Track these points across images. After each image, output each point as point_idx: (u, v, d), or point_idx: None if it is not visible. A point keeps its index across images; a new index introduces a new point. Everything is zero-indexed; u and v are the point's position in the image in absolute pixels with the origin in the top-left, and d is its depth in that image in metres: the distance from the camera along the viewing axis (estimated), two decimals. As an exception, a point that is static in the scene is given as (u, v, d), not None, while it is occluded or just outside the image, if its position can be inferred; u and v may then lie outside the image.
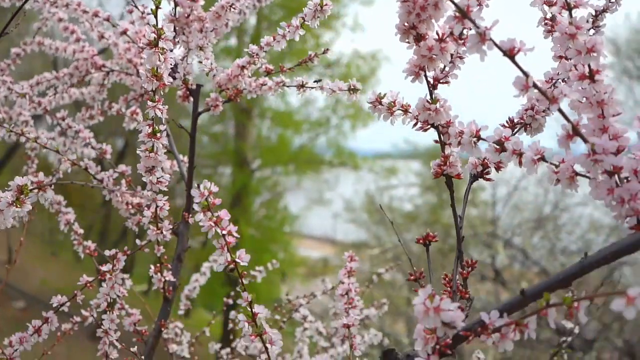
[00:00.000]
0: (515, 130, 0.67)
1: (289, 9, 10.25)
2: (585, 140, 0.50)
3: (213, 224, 0.60)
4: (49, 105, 1.13)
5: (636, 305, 0.39)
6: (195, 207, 0.60)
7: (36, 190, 0.65)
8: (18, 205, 0.66)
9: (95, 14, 1.07)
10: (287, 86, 0.96)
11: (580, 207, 7.40)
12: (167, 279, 0.95)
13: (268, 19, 9.40)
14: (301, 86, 0.93)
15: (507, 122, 0.68)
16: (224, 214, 0.61)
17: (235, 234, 0.61)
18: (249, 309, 0.63)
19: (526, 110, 0.67)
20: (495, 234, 5.85)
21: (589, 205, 7.36)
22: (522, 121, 0.67)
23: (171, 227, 0.88)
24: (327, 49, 0.98)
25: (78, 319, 1.11)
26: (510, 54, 0.50)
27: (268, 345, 0.63)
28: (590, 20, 0.69)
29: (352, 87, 0.81)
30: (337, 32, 10.79)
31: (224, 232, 0.61)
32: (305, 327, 1.29)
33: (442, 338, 0.53)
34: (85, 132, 1.07)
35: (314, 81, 0.94)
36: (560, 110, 0.51)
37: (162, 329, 0.97)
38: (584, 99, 0.53)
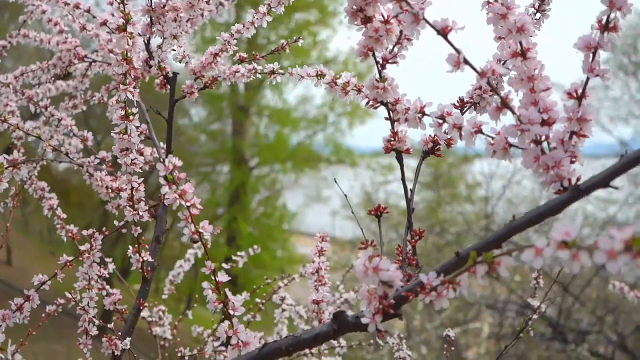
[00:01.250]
0: (465, 109, 0.71)
1: (287, 7, 10.29)
2: (513, 112, 0.54)
3: (177, 196, 0.64)
4: (35, 96, 1.17)
5: (544, 256, 0.43)
6: (161, 180, 0.64)
7: (11, 168, 0.69)
8: (-5, 182, 0.70)
9: (76, 6, 1.11)
10: (259, 73, 1.00)
11: (576, 202, 7.43)
12: (145, 259, 0.99)
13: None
14: (272, 72, 0.97)
15: (457, 101, 0.72)
16: (188, 187, 0.65)
17: (199, 206, 0.65)
18: (213, 277, 0.67)
19: (475, 89, 0.71)
20: (489, 229, 5.89)
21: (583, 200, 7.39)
22: (471, 100, 0.71)
23: (147, 208, 0.92)
24: (299, 38, 1.02)
25: (62, 301, 1.15)
26: (443, 32, 0.54)
27: (231, 311, 0.67)
28: (537, 3, 0.73)
29: (319, 72, 0.85)
30: (334, 30, 10.83)
31: (189, 204, 0.65)
32: (284, 308, 1.33)
33: (387, 299, 0.57)
34: (68, 119, 1.10)
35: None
36: (489, 84, 0.54)
37: (141, 308, 1.01)
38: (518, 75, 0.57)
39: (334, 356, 1.25)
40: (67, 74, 1.38)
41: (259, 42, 9.35)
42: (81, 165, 1.01)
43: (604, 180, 0.50)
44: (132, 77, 0.75)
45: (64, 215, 1.14)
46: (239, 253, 1.44)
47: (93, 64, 1.20)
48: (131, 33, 0.73)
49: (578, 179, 0.53)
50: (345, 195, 0.92)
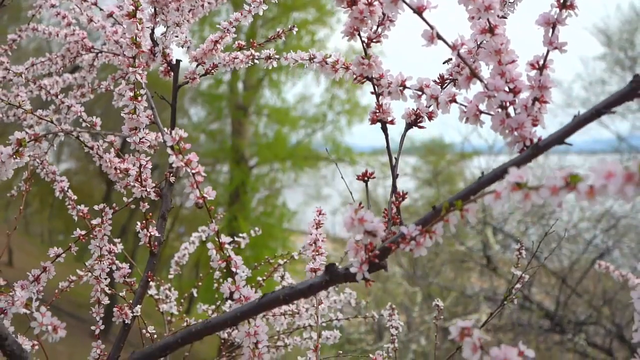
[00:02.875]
0: (445, 84, 0.78)
1: (284, 6, 10.36)
2: (481, 80, 0.61)
3: (184, 164, 0.71)
4: (50, 87, 1.24)
5: (502, 199, 0.50)
6: (168, 150, 0.71)
7: (33, 142, 0.76)
8: (17, 156, 0.77)
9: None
10: (257, 59, 1.07)
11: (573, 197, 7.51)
12: (152, 234, 1.06)
13: (263, 16, 9.50)
14: (268, 58, 1.04)
15: (437, 77, 0.78)
16: (193, 157, 0.72)
17: (203, 174, 0.72)
18: (217, 239, 0.74)
19: (454, 67, 0.78)
20: (486, 222, 5.97)
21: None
22: (450, 77, 0.78)
23: (154, 185, 0.99)
24: (293, 26, 1.09)
25: (74, 278, 1.22)
26: (419, 10, 0.61)
27: (233, 269, 0.74)
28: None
29: (311, 56, 0.92)
30: (332, 29, 10.89)
31: (194, 171, 0.72)
32: (283, 285, 1.40)
33: (373, 251, 0.64)
34: (77, 106, 1.17)
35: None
36: (459, 56, 0.61)
37: (149, 280, 1.08)
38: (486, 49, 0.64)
39: (332, 329, 1.32)
40: (74, 68, 1.45)
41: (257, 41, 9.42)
42: (91, 147, 1.08)
43: (558, 139, 0.57)
44: (141, 60, 0.82)
45: (75, 197, 1.21)
46: (240, 234, 1.50)
47: (100, 54, 1.27)
48: (140, 19, 0.80)
49: (539, 139, 0.60)
50: (351, 193, 0.97)
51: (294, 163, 11.82)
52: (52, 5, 1.26)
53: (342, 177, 1.07)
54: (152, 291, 1.35)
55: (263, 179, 11.78)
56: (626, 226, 7.21)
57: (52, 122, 1.06)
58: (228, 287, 0.74)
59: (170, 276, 1.54)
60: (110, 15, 1.14)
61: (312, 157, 11.88)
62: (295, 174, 12.10)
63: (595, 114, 0.55)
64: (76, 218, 1.16)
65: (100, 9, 1.17)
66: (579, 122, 0.56)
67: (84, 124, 1.17)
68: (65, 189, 1.20)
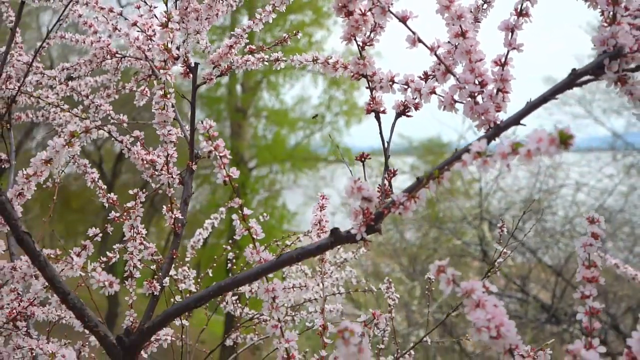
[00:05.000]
0: (428, 79, 0.93)
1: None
2: (454, 75, 0.76)
3: (213, 149, 0.86)
4: (79, 87, 1.38)
5: (467, 164, 0.65)
6: (200, 137, 0.85)
7: (84, 133, 0.91)
8: (69, 146, 0.92)
9: (110, 10, 1.32)
10: (266, 61, 1.22)
11: (571, 192, 7.71)
12: (176, 216, 1.21)
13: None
14: (276, 60, 1.19)
15: (423, 74, 0.93)
16: (221, 142, 0.87)
17: (229, 156, 0.87)
18: (240, 212, 0.89)
19: (435, 65, 0.92)
20: (482, 217, 6.12)
21: (573, 188, 7.64)
22: (433, 73, 0.93)
23: (179, 172, 1.14)
24: (298, 31, 1.24)
25: (104, 259, 1.36)
26: (403, 20, 0.76)
27: (254, 236, 0.89)
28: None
29: (314, 58, 1.07)
30: (329, 30, 11.05)
31: (221, 154, 0.86)
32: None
33: (370, 215, 0.78)
34: (106, 105, 1.32)
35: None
36: (436, 56, 0.76)
37: (174, 257, 1.22)
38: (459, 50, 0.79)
39: (334, 304, 1.47)
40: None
41: (256, 44, 9.58)
42: (121, 141, 1.23)
43: (514, 121, 0.72)
44: (171, 63, 0.97)
45: (105, 187, 1.35)
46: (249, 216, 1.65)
47: (123, 59, 1.42)
48: (172, 29, 0.95)
49: (500, 122, 0.75)
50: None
51: (293, 164, 11.96)
52: (80, 15, 1.41)
53: (351, 172, 1.20)
54: (171, 272, 1.50)
55: (262, 181, 11.92)
56: (621, 221, 7.38)
57: (87, 118, 1.21)
58: (250, 252, 0.88)
59: (187, 259, 1.68)
60: (135, 24, 1.29)
61: (311, 158, 12.03)
62: (295, 175, 12.25)
63: (543, 100, 0.70)
64: (106, 205, 1.31)
65: (125, 19, 1.32)
66: (530, 107, 0.71)
67: (112, 121, 1.32)
68: (96, 179, 1.35)
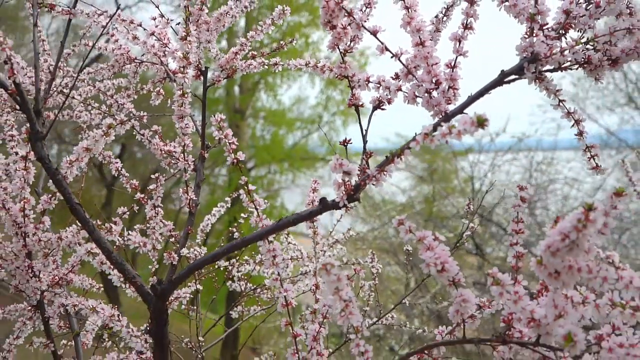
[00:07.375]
0: (398, 79, 1.14)
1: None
2: (414, 76, 0.98)
3: (223, 137, 1.07)
4: (103, 88, 1.60)
5: (419, 143, 0.86)
6: (212, 128, 1.07)
7: (120, 125, 1.12)
8: (106, 136, 1.13)
9: (131, 22, 1.54)
10: (266, 65, 1.43)
11: (566, 188, 7.94)
12: (191, 197, 1.42)
13: (256, 21, 9.83)
14: (275, 64, 1.40)
15: (394, 74, 1.14)
16: (229, 131, 1.08)
17: (236, 143, 1.08)
18: (246, 187, 1.10)
19: (402, 68, 1.13)
20: (473, 211, 6.33)
21: (565, 184, 7.87)
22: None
23: (194, 159, 1.35)
24: (293, 39, 1.45)
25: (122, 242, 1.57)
26: (374, 32, 0.97)
27: (257, 207, 1.10)
28: (444, 9, 1.16)
29: (307, 62, 1.28)
30: (326, 32, 11.25)
31: (230, 141, 1.08)
32: (289, 241, 1.76)
33: (350, 186, 0.99)
34: (128, 104, 1.53)
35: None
36: (400, 61, 0.98)
37: (189, 232, 1.44)
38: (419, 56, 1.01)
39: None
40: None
41: (253, 45, 9.81)
42: (142, 134, 1.44)
43: (459, 110, 0.93)
44: (190, 69, 1.18)
45: (127, 175, 1.56)
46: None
47: (141, 64, 1.63)
48: (190, 40, 1.16)
49: (450, 112, 0.96)
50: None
51: (291, 164, 12.16)
52: (103, 27, 1.62)
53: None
54: (184, 251, 1.71)
55: (261, 181, 12.12)
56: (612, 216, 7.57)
57: (112, 115, 1.42)
58: (255, 219, 1.10)
59: (197, 241, 1.90)
60: (152, 34, 1.50)
61: (309, 157, 12.23)
62: (293, 175, 12.45)
63: (480, 94, 0.92)
64: (130, 190, 1.52)
65: (144, 29, 1.53)
66: (471, 100, 0.92)
67: (133, 118, 1.53)
68: (120, 168, 1.56)
